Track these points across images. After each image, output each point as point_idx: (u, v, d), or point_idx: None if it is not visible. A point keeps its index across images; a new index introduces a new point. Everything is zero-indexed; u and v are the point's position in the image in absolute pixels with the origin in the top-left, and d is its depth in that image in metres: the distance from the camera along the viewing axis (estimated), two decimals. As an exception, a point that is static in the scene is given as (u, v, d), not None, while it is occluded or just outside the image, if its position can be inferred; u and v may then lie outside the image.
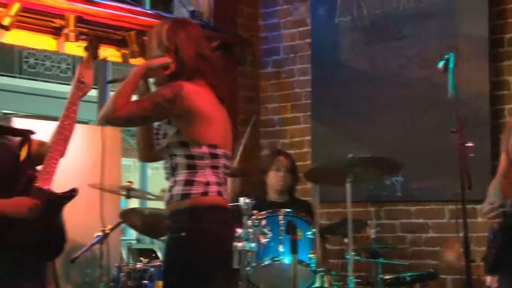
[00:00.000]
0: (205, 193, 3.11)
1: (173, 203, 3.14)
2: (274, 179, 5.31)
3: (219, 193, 3.16)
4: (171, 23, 3.29)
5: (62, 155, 3.62)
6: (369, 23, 6.09)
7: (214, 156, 3.16)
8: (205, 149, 3.14)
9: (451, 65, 4.11)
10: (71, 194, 3.64)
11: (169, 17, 6.20)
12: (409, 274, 5.09)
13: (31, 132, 3.68)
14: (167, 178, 3.21)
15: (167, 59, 3.19)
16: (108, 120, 3.16)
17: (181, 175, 3.13)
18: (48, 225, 3.52)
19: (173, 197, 3.14)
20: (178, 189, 3.13)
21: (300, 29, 6.51)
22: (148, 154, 3.35)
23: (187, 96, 3.10)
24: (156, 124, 3.25)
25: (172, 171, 3.17)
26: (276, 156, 5.45)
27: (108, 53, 5.98)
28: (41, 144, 3.68)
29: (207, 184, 3.13)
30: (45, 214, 3.48)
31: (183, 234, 3.07)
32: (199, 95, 3.14)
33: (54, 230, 3.56)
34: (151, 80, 3.29)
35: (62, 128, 3.63)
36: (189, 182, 3.11)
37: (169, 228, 3.17)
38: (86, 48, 3.80)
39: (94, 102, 9.50)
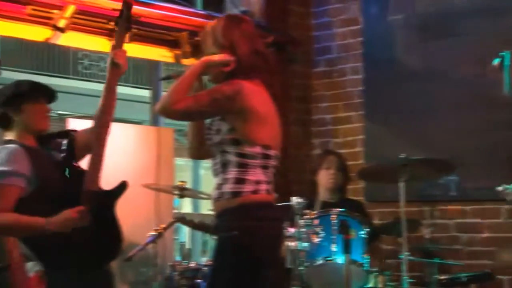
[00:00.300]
0: (255, 191, 3.11)
1: (223, 201, 3.14)
2: (324, 177, 5.31)
3: (268, 191, 3.16)
4: (226, 20, 3.29)
5: (104, 149, 3.59)
6: (423, 20, 6.02)
7: (266, 157, 3.17)
8: (258, 149, 3.14)
9: (506, 63, 4.04)
10: (121, 188, 3.61)
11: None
12: (464, 274, 5.01)
13: (73, 131, 3.74)
14: (216, 175, 3.20)
15: (228, 57, 3.20)
16: (165, 113, 3.19)
17: (232, 173, 3.13)
18: (103, 226, 3.54)
19: (223, 195, 3.14)
20: (228, 187, 3.12)
21: (352, 27, 6.47)
22: (199, 151, 3.37)
23: (246, 95, 3.10)
24: (209, 119, 3.27)
25: (222, 168, 3.17)
26: (326, 155, 5.46)
27: (161, 53, 6.05)
28: (84, 134, 3.72)
29: (258, 182, 3.13)
30: (98, 216, 3.48)
31: (235, 232, 3.06)
32: (257, 95, 3.15)
33: (110, 229, 3.58)
34: (204, 77, 3.32)
35: (103, 119, 3.67)
36: (240, 181, 3.11)
37: (219, 227, 3.17)
38: (116, 28, 3.72)
39: (147, 103, 9.60)
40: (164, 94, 3.19)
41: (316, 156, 5.94)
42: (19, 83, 3.55)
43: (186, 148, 3.43)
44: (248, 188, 3.11)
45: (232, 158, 3.14)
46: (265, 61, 3.26)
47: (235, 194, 3.11)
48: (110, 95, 3.68)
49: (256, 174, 3.13)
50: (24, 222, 3.30)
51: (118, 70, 3.63)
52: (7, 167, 3.33)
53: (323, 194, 5.33)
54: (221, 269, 3.13)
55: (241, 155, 3.13)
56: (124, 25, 3.67)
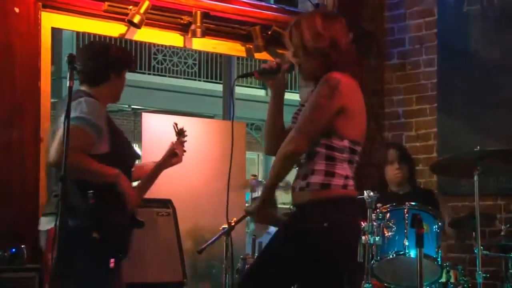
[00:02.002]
0: (344, 186, 3.13)
1: (308, 192, 3.13)
2: (390, 173, 5.25)
3: (354, 187, 3.18)
4: (322, 16, 3.26)
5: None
6: (500, 11, 5.90)
7: (353, 151, 3.18)
8: (346, 143, 3.15)
9: None
10: (140, 223, 3.76)
11: (295, 11, 6.22)
12: (541, 269, 4.91)
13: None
14: (300, 165, 3.19)
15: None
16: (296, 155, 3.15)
17: (320, 165, 3.12)
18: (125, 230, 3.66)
19: (309, 185, 3.13)
20: (317, 179, 3.12)
21: (427, 19, 6.38)
22: (275, 147, 3.32)
23: (344, 91, 3.12)
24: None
25: (308, 158, 3.16)
26: (387, 149, 5.39)
27: (233, 48, 6.09)
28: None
29: (346, 177, 3.15)
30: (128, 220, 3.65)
31: (325, 224, 3.05)
32: (352, 90, 3.18)
33: (127, 238, 3.69)
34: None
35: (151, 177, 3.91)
36: (330, 173, 3.12)
37: (302, 218, 3.15)
38: (176, 131, 4.20)
39: (219, 97, 9.69)
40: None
41: (379, 150, 5.86)
42: (116, 47, 3.76)
43: (262, 143, 3.46)
44: (337, 182, 3.12)
45: (320, 150, 3.14)
46: (354, 54, 3.28)
47: (324, 186, 3.11)
48: (154, 179, 3.95)
49: (344, 169, 3.14)
50: (99, 166, 3.45)
51: (176, 159, 4.05)
52: (88, 115, 3.46)
53: (392, 187, 5.28)
54: (316, 261, 3.08)
55: (330, 147, 3.13)
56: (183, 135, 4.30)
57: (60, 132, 3.44)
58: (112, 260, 3.52)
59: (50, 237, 3.47)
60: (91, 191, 3.37)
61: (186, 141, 4.24)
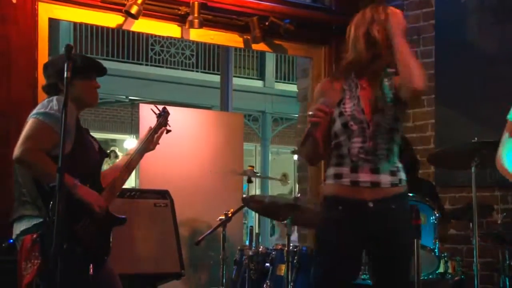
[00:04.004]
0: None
1: (401, 187, 3.33)
2: None
3: None
4: (393, 8, 3.36)
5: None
6: (498, 2, 5.88)
7: None
8: None
9: None
10: (122, 220, 3.72)
11: (293, 1, 6.20)
12: (538, 261, 4.91)
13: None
14: (377, 160, 3.26)
15: None
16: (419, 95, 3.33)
17: (398, 163, 3.34)
18: (102, 233, 3.62)
19: (401, 182, 3.33)
20: (403, 175, 3.34)
21: (424, 10, 6.37)
22: (319, 160, 3.53)
23: None
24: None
25: (387, 154, 3.29)
26: None
27: (231, 39, 6.07)
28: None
29: None
30: (104, 221, 3.61)
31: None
32: None
33: (104, 241, 3.65)
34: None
35: (125, 176, 3.80)
36: (403, 170, 3.35)
37: (401, 209, 3.34)
38: (158, 118, 4.00)
39: (217, 88, 9.68)
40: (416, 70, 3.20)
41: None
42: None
43: (304, 159, 3.57)
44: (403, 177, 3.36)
45: (396, 148, 3.32)
46: None
47: (404, 182, 3.36)
48: (130, 169, 3.84)
49: None
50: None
51: (149, 149, 3.93)
52: (58, 113, 3.40)
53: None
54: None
55: (399, 146, 3.34)
56: (165, 121, 4.00)
57: (25, 127, 3.47)
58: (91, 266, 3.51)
59: (25, 247, 3.43)
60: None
61: (168, 129, 4.00)
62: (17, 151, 3.43)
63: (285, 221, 4.16)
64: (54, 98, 3.51)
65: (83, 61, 3.65)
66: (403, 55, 3.20)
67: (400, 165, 3.35)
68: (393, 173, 3.30)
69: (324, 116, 3.14)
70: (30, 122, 3.48)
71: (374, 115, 3.27)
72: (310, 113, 3.14)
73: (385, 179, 3.27)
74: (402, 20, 3.29)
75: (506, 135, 3.51)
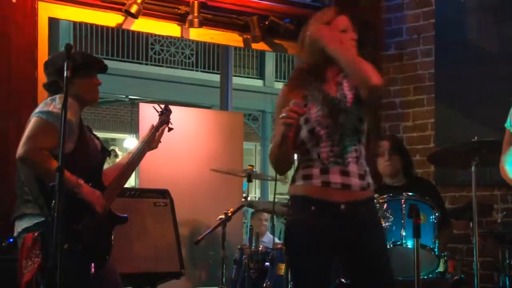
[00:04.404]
0: None
1: (370, 191, 3.33)
2: (381, 165, 5.11)
3: None
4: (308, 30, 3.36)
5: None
6: (498, 1, 5.89)
7: None
8: None
9: None
10: (123, 219, 3.72)
11: (292, 1, 6.20)
12: (538, 260, 4.92)
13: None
14: (346, 163, 3.25)
15: None
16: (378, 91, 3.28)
17: (366, 166, 3.33)
18: (104, 231, 3.63)
19: (369, 186, 3.33)
20: (370, 179, 3.34)
21: (424, 9, 6.37)
22: (287, 169, 3.39)
23: None
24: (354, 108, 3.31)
25: (356, 157, 3.28)
26: (378, 141, 5.30)
27: (230, 38, 6.07)
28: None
29: None
30: (105, 220, 3.61)
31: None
32: None
33: (105, 240, 3.65)
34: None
35: (124, 173, 3.79)
36: (369, 174, 3.35)
37: (371, 213, 3.38)
38: (161, 116, 4.00)
39: (216, 87, 9.67)
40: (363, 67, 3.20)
41: (374, 142, 5.81)
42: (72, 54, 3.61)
43: (274, 168, 3.37)
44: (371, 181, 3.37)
45: (363, 150, 3.32)
46: None
47: (372, 186, 3.36)
48: (132, 167, 3.86)
49: None
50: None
51: (152, 147, 3.93)
52: (59, 111, 3.34)
53: (386, 180, 5.22)
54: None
55: (366, 149, 3.35)
56: (167, 118, 4.01)
57: (28, 126, 3.46)
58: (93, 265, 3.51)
59: (26, 245, 3.43)
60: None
61: (170, 127, 4.02)
62: (20, 150, 3.43)
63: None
64: (57, 97, 3.50)
65: (83, 58, 3.65)
66: (345, 61, 3.22)
67: (367, 168, 3.34)
68: (361, 177, 3.29)
69: (297, 117, 3.13)
70: (33, 121, 3.47)
71: (339, 117, 3.25)
72: (283, 114, 3.12)
73: (355, 182, 3.26)
74: (327, 31, 3.29)
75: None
